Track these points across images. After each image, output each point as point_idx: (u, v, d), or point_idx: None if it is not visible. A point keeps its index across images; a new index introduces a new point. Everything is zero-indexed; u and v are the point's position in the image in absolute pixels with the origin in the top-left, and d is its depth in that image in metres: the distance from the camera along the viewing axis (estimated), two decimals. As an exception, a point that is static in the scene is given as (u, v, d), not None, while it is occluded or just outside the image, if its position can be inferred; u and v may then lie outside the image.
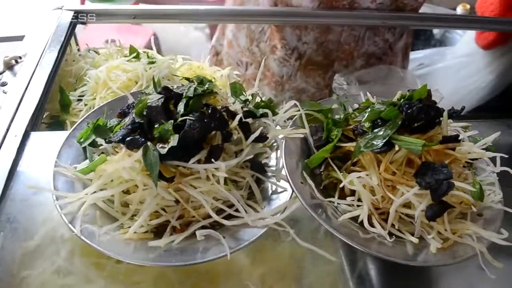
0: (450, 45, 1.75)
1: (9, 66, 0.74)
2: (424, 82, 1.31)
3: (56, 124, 0.71)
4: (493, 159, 0.55)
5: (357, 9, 0.87)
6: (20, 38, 0.84)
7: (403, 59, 1.07)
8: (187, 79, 0.61)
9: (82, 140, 0.52)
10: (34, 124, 0.62)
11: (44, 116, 0.70)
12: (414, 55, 1.45)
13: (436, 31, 1.85)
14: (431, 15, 1.18)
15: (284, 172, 0.50)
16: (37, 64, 0.71)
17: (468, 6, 1.76)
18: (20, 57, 0.75)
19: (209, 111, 0.47)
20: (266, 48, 0.95)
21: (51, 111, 0.73)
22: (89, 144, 0.51)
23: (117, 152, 0.47)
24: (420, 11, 1.91)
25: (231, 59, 1.01)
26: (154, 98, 0.48)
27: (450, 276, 0.53)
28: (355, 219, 0.49)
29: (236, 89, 0.57)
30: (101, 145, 0.50)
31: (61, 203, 0.45)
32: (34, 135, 0.59)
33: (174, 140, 0.44)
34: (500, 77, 1.21)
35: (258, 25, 0.95)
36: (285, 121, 0.58)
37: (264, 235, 0.45)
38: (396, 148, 0.47)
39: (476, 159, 0.55)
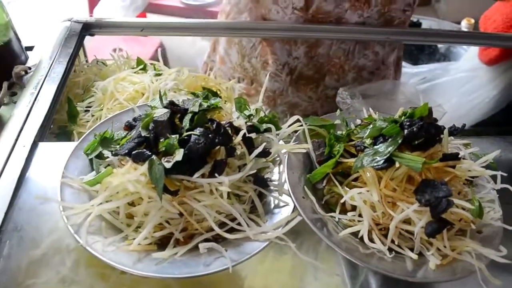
0: (455, 59, 1.77)
1: (18, 77, 0.76)
2: (427, 97, 1.34)
3: (64, 134, 0.73)
4: (493, 176, 0.56)
5: (345, 24, 0.87)
6: (29, 48, 0.85)
7: (396, 72, 1.08)
8: (193, 93, 0.63)
9: (89, 151, 0.53)
10: (42, 135, 0.63)
11: (52, 126, 0.71)
12: (417, 69, 1.46)
13: (440, 45, 1.86)
14: (434, 31, 1.20)
15: (286, 186, 0.51)
16: (46, 75, 0.73)
17: (472, 21, 1.78)
18: (30, 68, 0.76)
19: (214, 126, 0.48)
20: (258, 64, 0.96)
21: (59, 121, 0.74)
22: (96, 156, 0.52)
23: (123, 164, 0.49)
24: (426, 25, 1.94)
25: (223, 75, 1.02)
26: (160, 113, 0.49)
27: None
28: (355, 234, 0.49)
29: (241, 104, 0.58)
30: (108, 157, 0.51)
31: (68, 213, 0.46)
32: (42, 145, 0.61)
33: (179, 155, 0.45)
34: (503, 92, 1.21)
35: (249, 41, 0.96)
36: (289, 135, 0.60)
37: (265, 248, 0.46)
38: (397, 165, 0.48)
39: (477, 176, 0.56)
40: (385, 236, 0.49)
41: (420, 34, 1.04)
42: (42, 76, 0.72)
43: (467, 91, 1.26)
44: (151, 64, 0.86)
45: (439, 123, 0.57)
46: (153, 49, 1.78)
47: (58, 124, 0.74)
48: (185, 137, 0.47)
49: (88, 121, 0.74)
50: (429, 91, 1.33)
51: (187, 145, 0.46)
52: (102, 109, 0.74)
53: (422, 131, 0.49)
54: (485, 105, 1.24)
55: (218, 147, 0.48)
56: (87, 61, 0.94)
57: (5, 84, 0.73)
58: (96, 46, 1.23)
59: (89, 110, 0.75)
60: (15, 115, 0.65)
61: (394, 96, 0.96)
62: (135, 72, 0.81)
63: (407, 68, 1.47)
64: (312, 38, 0.89)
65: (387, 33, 0.95)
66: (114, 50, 1.53)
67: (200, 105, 0.50)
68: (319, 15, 0.85)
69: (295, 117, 0.58)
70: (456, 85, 1.29)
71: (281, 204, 0.51)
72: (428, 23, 1.91)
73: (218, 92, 0.80)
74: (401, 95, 0.94)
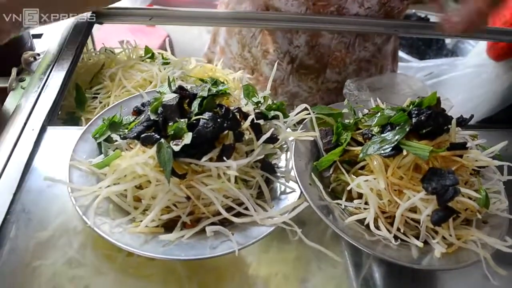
0: (462, 55, 1.76)
1: (27, 63, 0.76)
2: (434, 91, 1.32)
3: (72, 120, 0.73)
4: (500, 168, 0.56)
5: (346, 15, 0.87)
6: (38, 36, 0.86)
7: (393, 61, 1.08)
8: (201, 80, 0.63)
9: (97, 135, 0.54)
10: (50, 120, 0.64)
11: (60, 112, 0.71)
12: (424, 63, 1.45)
13: (448, 41, 1.85)
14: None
15: (293, 173, 0.52)
16: (55, 62, 0.73)
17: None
18: (39, 54, 0.77)
19: (222, 111, 0.49)
20: (258, 53, 0.96)
21: (67, 108, 0.75)
22: (104, 140, 0.52)
23: (132, 148, 0.49)
24: (434, 18, 1.92)
25: (224, 66, 1.02)
26: (170, 97, 0.49)
27: (455, 281, 0.54)
28: (361, 221, 0.50)
29: (249, 91, 0.58)
30: (116, 141, 0.51)
31: (76, 195, 0.46)
32: (50, 129, 0.61)
33: (187, 138, 0.45)
34: (511, 89, 1.21)
35: (249, 31, 0.96)
36: (295, 124, 0.60)
37: (272, 233, 0.46)
38: (404, 153, 0.48)
39: (484, 167, 0.56)
40: (391, 224, 0.49)
41: (427, 27, 1.04)
42: (51, 63, 0.72)
43: (474, 86, 1.26)
44: (159, 53, 0.86)
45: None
46: (160, 41, 1.78)
47: (66, 110, 0.75)
48: (194, 121, 0.47)
49: (95, 108, 0.74)
50: (436, 86, 1.32)
51: (195, 129, 0.46)
52: (110, 96, 0.75)
53: (430, 120, 0.49)
54: (492, 101, 1.23)
55: (227, 131, 0.48)
56: (94, 49, 0.95)
57: (14, 70, 0.73)
58: (104, 38, 1.23)
59: (97, 97, 0.75)
60: (24, 99, 0.65)
61: (401, 89, 0.96)
62: (143, 61, 0.81)
63: (413, 63, 1.47)
64: (316, 29, 0.88)
65: (394, 26, 0.94)
66: (122, 42, 1.54)
67: (209, 90, 0.50)
68: (319, 2, 0.85)
69: (303, 105, 0.58)
70: (463, 80, 1.29)
71: (288, 190, 0.51)
72: (436, 18, 1.90)
73: (226, 82, 0.81)
74: (408, 88, 0.94)
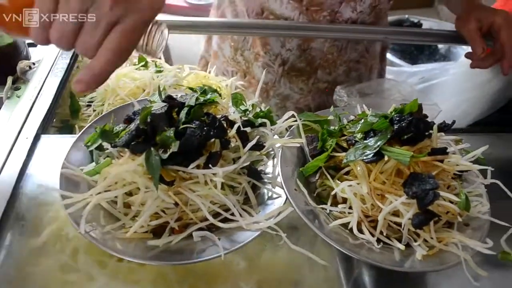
0: (455, 59, 1.78)
1: (22, 72, 0.78)
2: (426, 96, 1.34)
3: (66, 128, 0.75)
4: (483, 172, 0.57)
5: (339, 19, 0.89)
6: (34, 45, 0.87)
7: (381, 61, 1.11)
8: (191, 88, 0.64)
9: (89, 143, 0.55)
10: (44, 128, 0.66)
11: (54, 120, 0.73)
12: (416, 68, 1.47)
13: (441, 46, 1.88)
14: (430, 31, 1.22)
15: (279, 179, 0.53)
16: (50, 71, 0.75)
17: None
18: (34, 63, 0.78)
19: (209, 119, 0.50)
20: (250, 55, 0.98)
21: (61, 116, 0.76)
22: (96, 148, 0.54)
23: (122, 156, 0.50)
24: (426, 26, 1.94)
25: (217, 69, 1.04)
26: (158, 106, 0.51)
27: (442, 282, 0.55)
28: (346, 225, 0.51)
29: (237, 99, 0.60)
30: (107, 149, 0.53)
31: (67, 202, 0.48)
32: (44, 138, 0.63)
33: (175, 146, 0.47)
34: (500, 93, 1.22)
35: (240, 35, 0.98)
36: (286, 129, 0.61)
37: (262, 243, 0.47)
38: (386, 158, 0.49)
39: (466, 171, 0.57)
40: (374, 227, 0.50)
41: (415, 34, 1.06)
42: (46, 71, 0.74)
43: (465, 90, 1.27)
44: (153, 61, 0.88)
45: (435, 120, 0.59)
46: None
47: (61, 118, 0.76)
48: (181, 130, 0.49)
49: (89, 116, 0.76)
50: (428, 90, 1.34)
51: (183, 137, 0.48)
52: (103, 104, 0.76)
53: (411, 126, 0.51)
54: (483, 104, 1.24)
55: (213, 139, 0.49)
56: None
57: (9, 79, 0.75)
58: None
59: (91, 105, 0.77)
60: (19, 108, 0.67)
61: (391, 94, 0.98)
62: (136, 69, 0.83)
63: (405, 68, 1.48)
64: (310, 36, 0.90)
65: (384, 32, 0.96)
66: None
67: (197, 99, 0.52)
68: (312, 7, 0.87)
69: (290, 113, 0.60)
70: (455, 84, 1.30)
71: (274, 196, 0.53)
72: (429, 24, 1.93)
73: (218, 89, 0.82)
74: (398, 93, 0.96)
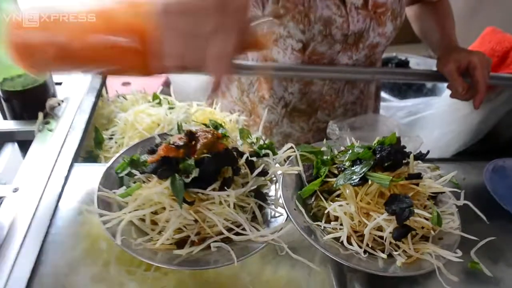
0: (440, 93, 1.91)
1: (51, 108, 0.88)
2: (411, 128, 1.46)
3: (91, 157, 0.85)
4: (457, 195, 0.67)
5: (336, 65, 0.99)
6: (59, 83, 0.98)
7: (376, 99, 1.21)
8: (204, 124, 0.75)
9: (119, 171, 0.65)
10: (74, 158, 0.75)
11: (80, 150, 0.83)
12: (403, 103, 1.59)
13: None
14: (417, 71, 1.35)
15: (281, 200, 0.63)
16: (78, 108, 0.85)
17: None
18: (62, 101, 0.89)
19: (223, 151, 0.60)
20: (255, 98, 1.07)
21: (86, 147, 0.86)
22: (126, 174, 0.63)
23: (150, 181, 0.60)
24: (413, 63, 2.08)
25: (225, 107, 1.13)
26: (180, 140, 0.61)
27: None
28: (337, 239, 0.60)
29: (244, 134, 0.70)
30: (135, 175, 0.63)
31: (105, 219, 0.57)
32: (77, 166, 0.72)
33: (195, 173, 0.57)
34: (480, 124, 1.33)
35: (247, 78, 1.07)
36: (284, 160, 0.71)
37: (265, 262, 0.57)
38: (370, 182, 0.60)
39: (441, 193, 0.67)
40: (361, 240, 0.60)
41: (403, 74, 1.18)
42: (75, 108, 0.85)
43: (448, 123, 1.39)
44: (165, 98, 0.99)
45: (418, 150, 0.69)
46: (160, 81, 1.93)
47: (86, 149, 0.86)
48: (200, 159, 0.59)
49: (111, 147, 0.86)
50: (413, 123, 1.46)
51: (201, 165, 0.58)
52: (123, 137, 0.86)
53: (390, 155, 0.61)
54: (465, 135, 1.35)
55: (226, 167, 0.59)
56: (107, 92, 1.07)
57: (40, 115, 0.85)
58: (111, 79, 1.37)
59: (112, 138, 0.87)
60: (53, 140, 0.77)
61: (379, 127, 1.09)
62: (151, 106, 0.93)
63: (394, 103, 1.60)
64: (306, 78, 1.01)
65: (372, 72, 1.08)
66: (123, 84, 1.69)
67: (212, 135, 0.62)
68: (314, 56, 0.98)
69: (289, 145, 0.70)
70: (438, 118, 1.42)
71: (277, 214, 0.62)
72: (415, 60, 2.07)
73: (223, 124, 0.93)
74: (384, 126, 1.07)
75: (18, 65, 0.53)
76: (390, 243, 0.59)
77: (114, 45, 0.50)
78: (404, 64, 2.05)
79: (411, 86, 1.96)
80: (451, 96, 1.02)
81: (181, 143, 0.60)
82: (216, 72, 0.49)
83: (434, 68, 1.04)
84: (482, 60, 0.95)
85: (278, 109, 1.06)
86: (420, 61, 2.08)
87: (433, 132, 1.41)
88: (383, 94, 1.78)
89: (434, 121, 1.44)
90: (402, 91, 1.93)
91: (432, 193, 0.64)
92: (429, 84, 2.00)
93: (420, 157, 0.67)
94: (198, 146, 0.61)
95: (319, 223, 0.62)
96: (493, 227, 0.67)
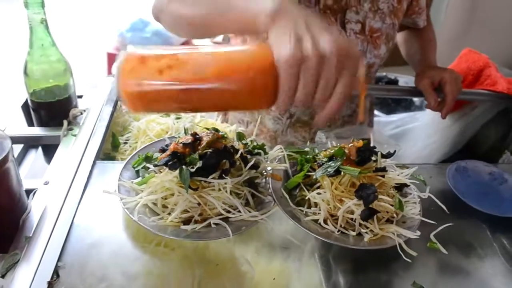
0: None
1: (74, 117, 1.02)
2: (398, 140, 1.60)
3: (108, 159, 0.97)
4: (424, 189, 0.79)
5: None
6: (80, 96, 1.12)
7: (370, 114, 1.35)
8: (207, 128, 0.88)
9: (135, 165, 0.78)
10: (95, 156, 0.88)
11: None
12: (391, 118, 1.73)
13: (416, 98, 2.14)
14: (397, 87, 1.49)
15: (270, 190, 0.75)
16: (98, 116, 0.99)
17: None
18: (85, 110, 1.03)
19: (222, 147, 0.73)
20: (263, 110, 1.21)
21: (105, 150, 0.99)
22: (142, 168, 0.76)
23: (161, 172, 0.73)
24: (402, 82, 2.22)
25: (234, 118, 1.27)
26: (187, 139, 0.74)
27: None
28: (316, 221, 0.72)
29: (240, 136, 0.84)
30: (149, 168, 0.76)
31: (125, 201, 0.70)
32: (99, 163, 0.86)
33: (199, 164, 0.69)
34: (459, 136, 1.46)
35: None
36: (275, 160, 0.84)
37: (254, 225, 0.69)
38: (342, 174, 0.72)
39: (406, 186, 0.79)
40: (336, 222, 0.72)
41: (386, 90, 1.33)
42: (95, 117, 0.98)
43: (430, 135, 1.51)
44: (172, 110, 1.12)
45: (396, 155, 0.81)
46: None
47: (104, 152, 0.99)
48: (203, 154, 0.72)
49: (126, 150, 0.99)
50: (399, 135, 1.59)
51: (204, 158, 0.70)
52: (137, 142, 1.00)
53: (359, 152, 0.74)
54: (445, 146, 1.48)
55: (224, 160, 0.72)
56: (121, 106, 1.21)
57: (65, 122, 0.99)
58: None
59: (127, 142, 1.00)
60: (77, 143, 0.90)
61: (362, 137, 1.21)
62: (161, 116, 1.07)
63: (382, 118, 1.74)
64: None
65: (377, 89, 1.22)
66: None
67: (213, 135, 0.75)
68: None
69: (278, 146, 0.83)
70: (422, 130, 1.55)
71: (266, 200, 0.75)
72: (404, 80, 2.22)
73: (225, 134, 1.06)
74: (367, 136, 1.19)
75: (127, 108, 0.55)
76: (360, 224, 0.71)
77: (247, 85, 0.51)
78: (394, 82, 2.19)
79: (400, 103, 2.09)
80: (426, 107, 1.15)
81: (187, 141, 0.73)
82: (336, 108, 0.59)
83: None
84: (453, 76, 1.09)
85: (283, 120, 1.19)
86: (408, 80, 2.22)
87: (417, 143, 1.54)
88: (373, 111, 1.92)
89: (418, 133, 1.57)
90: (392, 108, 2.06)
91: (396, 184, 0.77)
92: (417, 102, 2.14)
93: (388, 156, 0.80)
94: (202, 144, 0.74)
95: (301, 208, 0.74)
96: (452, 216, 0.79)
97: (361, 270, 0.71)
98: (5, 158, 0.67)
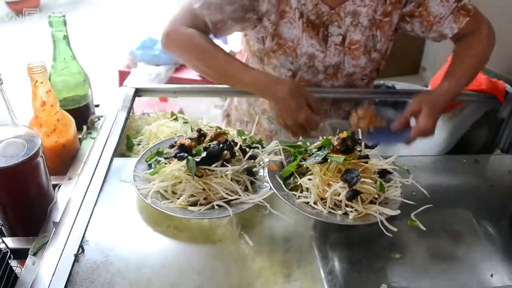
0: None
1: (92, 123, 1.14)
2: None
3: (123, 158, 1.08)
4: (407, 176, 0.89)
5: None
6: (97, 105, 1.24)
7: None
8: (210, 126, 0.99)
9: (148, 159, 0.89)
10: (113, 155, 0.99)
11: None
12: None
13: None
14: (390, 91, 1.59)
15: (267, 177, 0.85)
16: (114, 121, 1.10)
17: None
18: (102, 116, 1.14)
19: (223, 141, 0.84)
20: (259, 110, 1.32)
21: (120, 151, 1.10)
22: (154, 161, 0.87)
23: (171, 163, 0.84)
24: (399, 86, 2.31)
25: (236, 119, 1.38)
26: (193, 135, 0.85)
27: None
28: (307, 203, 0.82)
29: (240, 132, 0.94)
30: (160, 160, 0.86)
31: (140, 188, 0.80)
32: (116, 160, 0.97)
33: (204, 154, 0.80)
34: (450, 136, 1.55)
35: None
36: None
37: (252, 207, 0.79)
38: (329, 161, 0.82)
39: (390, 172, 0.89)
40: (325, 204, 0.81)
41: (374, 93, 1.43)
42: (111, 121, 1.10)
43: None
44: (180, 115, 1.24)
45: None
46: (176, 110, 2.23)
47: (120, 152, 1.10)
48: (207, 146, 0.82)
49: (139, 151, 1.10)
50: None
51: (208, 150, 0.81)
52: (148, 143, 1.11)
53: (344, 143, 0.84)
54: (437, 146, 1.57)
55: (226, 151, 0.83)
56: (133, 113, 1.33)
57: (84, 127, 1.11)
58: (136, 105, 1.63)
59: (140, 144, 1.12)
60: (97, 144, 1.01)
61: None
62: (170, 121, 1.18)
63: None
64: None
65: (357, 92, 1.32)
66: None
67: (216, 130, 0.86)
68: (302, 82, 1.23)
69: (275, 141, 0.93)
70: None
71: (263, 186, 0.85)
72: (400, 86, 2.30)
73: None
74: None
75: None
76: (347, 205, 0.81)
77: None
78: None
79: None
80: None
81: (193, 136, 0.84)
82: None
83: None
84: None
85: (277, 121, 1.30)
86: (404, 86, 2.31)
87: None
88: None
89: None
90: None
91: (379, 169, 0.86)
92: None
93: (372, 147, 0.90)
94: (206, 138, 0.85)
95: (294, 192, 0.84)
96: (432, 200, 0.88)
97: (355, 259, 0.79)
98: (37, 153, 0.78)
